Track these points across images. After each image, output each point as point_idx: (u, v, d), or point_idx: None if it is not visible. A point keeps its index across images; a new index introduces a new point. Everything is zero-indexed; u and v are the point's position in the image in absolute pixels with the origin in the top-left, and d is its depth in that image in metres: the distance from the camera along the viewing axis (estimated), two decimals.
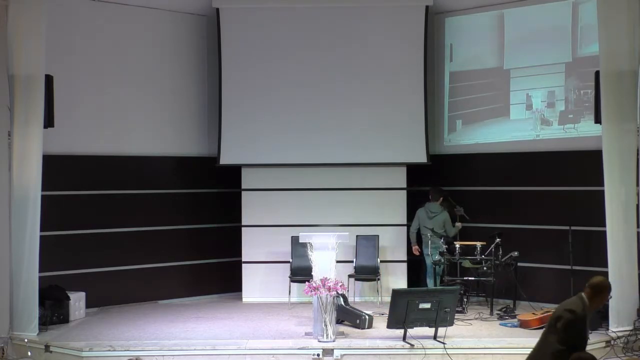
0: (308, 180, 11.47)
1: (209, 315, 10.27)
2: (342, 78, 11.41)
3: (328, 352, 8.27)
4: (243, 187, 11.55)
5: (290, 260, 11.03)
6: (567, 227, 10.33)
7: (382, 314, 9.61)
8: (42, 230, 9.09)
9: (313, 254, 8.94)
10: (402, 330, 8.36)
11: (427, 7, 11.40)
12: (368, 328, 9.17)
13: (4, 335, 8.93)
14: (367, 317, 9.26)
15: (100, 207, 10.95)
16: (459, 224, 10.89)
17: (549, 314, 9.19)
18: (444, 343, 8.27)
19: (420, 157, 11.37)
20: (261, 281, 11.43)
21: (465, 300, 10.28)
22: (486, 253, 10.28)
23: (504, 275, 10.42)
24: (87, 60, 10.85)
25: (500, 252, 10.23)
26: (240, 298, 11.46)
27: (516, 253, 10.23)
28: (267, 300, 11.17)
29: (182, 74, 11.71)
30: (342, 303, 9.33)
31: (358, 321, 9.21)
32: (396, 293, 8.45)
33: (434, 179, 11.50)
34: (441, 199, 10.96)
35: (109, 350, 8.31)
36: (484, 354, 8.28)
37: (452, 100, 11.88)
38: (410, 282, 11.31)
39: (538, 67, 11.10)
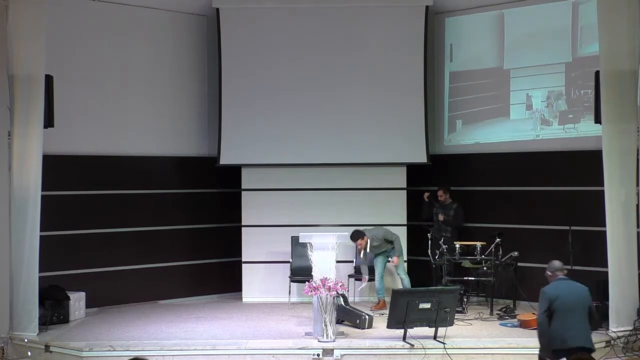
0: (308, 180, 11.46)
1: (209, 315, 10.27)
2: (342, 78, 11.41)
3: (328, 352, 8.27)
4: (243, 187, 11.55)
5: (290, 260, 11.03)
6: (567, 227, 10.33)
7: (382, 314, 9.62)
8: (42, 230, 9.09)
9: (313, 254, 8.94)
10: (402, 330, 8.36)
11: (427, 7, 11.40)
12: (368, 328, 9.17)
13: (4, 335, 8.93)
14: (367, 317, 9.26)
15: (100, 207, 10.94)
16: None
17: None
18: (444, 343, 8.26)
19: (420, 157, 11.36)
20: (261, 281, 11.43)
21: (465, 300, 10.28)
22: (486, 253, 10.29)
23: (504, 275, 10.41)
24: (87, 60, 10.85)
25: (500, 252, 10.23)
26: (240, 298, 11.46)
27: (516, 253, 10.23)
28: (267, 300, 11.17)
29: (182, 74, 11.71)
30: (342, 303, 9.32)
31: (358, 321, 9.21)
32: (396, 293, 8.45)
33: (434, 179, 11.49)
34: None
35: (109, 350, 8.31)
36: (484, 354, 8.27)
37: (452, 100, 11.88)
38: (411, 282, 11.29)
39: (538, 67, 11.10)
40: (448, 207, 11.14)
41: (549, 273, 7.43)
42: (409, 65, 11.40)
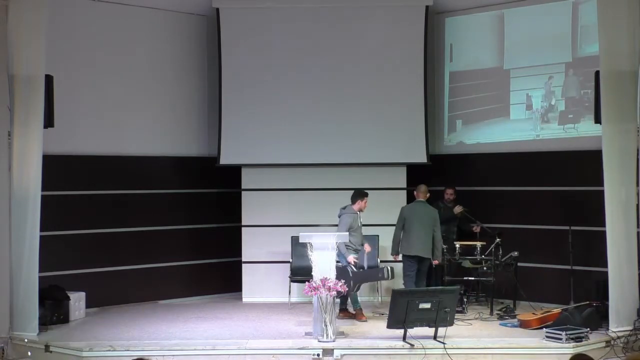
0: (308, 180, 11.46)
1: (209, 315, 10.27)
2: (342, 78, 11.41)
3: (328, 352, 8.26)
4: (243, 187, 11.55)
5: (290, 260, 11.03)
6: (567, 227, 10.33)
7: (382, 314, 9.62)
8: (42, 230, 9.09)
9: (313, 254, 8.93)
10: (402, 330, 8.36)
11: (427, 7, 11.40)
12: (392, 278, 9.58)
13: (4, 335, 8.92)
14: (387, 268, 9.44)
15: (100, 207, 10.94)
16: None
17: (549, 314, 9.22)
18: (444, 343, 8.26)
19: (420, 157, 11.37)
20: (261, 281, 11.42)
21: (465, 300, 10.28)
22: (486, 253, 10.29)
23: (504, 275, 10.41)
24: (87, 60, 10.85)
25: (500, 252, 10.23)
26: (240, 298, 11.46)
27: (516, 253, 10.23)
28: (267, 300, 11.17)
29: (182, 74, 11.71)
30: (355, 269, 9.52)
31: (381, 275, 9.42)
32: (396, 293, 8.45)
33: (434, 179, 11.49)
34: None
35: (109, 350, 8.31)
36: (484, 354, 8.27)
37: (452, 100, 11.88)
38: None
39: (538, 67, 11.10)
40: (451, 208, 11.16)
41: (415, 192, 10.07)
42: (409, 65, 11.40)
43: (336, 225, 10.52)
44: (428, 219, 9.91)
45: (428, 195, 10.12)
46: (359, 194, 10.00)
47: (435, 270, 10.78)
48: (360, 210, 10.00)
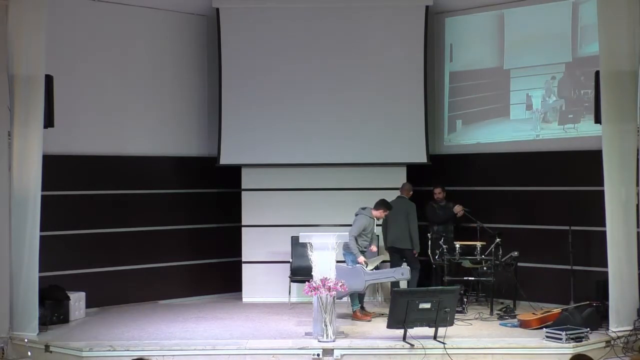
0: (308, 180, 11.47)
1: (209, 315, 10.27)
2: (342, 78, 11.41)
3: (328, 352, 8.27)
4: (243, 187, 11.56)
5: (290, 260, 11.03)
6: (567, 227, 10.33)
7: (382, 314, 9.62)
8: (42, 230, 9.09)
9: (313, 254, 8.93)
10: (402, 330, 8.36)
11: (427, 7, 11.41)
12: (408, 278, 9.70)
13: (4, 335, 8.93)
14: (409, 268, 9.59)
15: (100, 207, 10.95)
16: None
17: (549, 314, 9.22)
18: (444, 343, 8.26)
19: (420, 157, 11.37)
20: (261, 281, 11.43)
21: (465, 300, 10.28)
22: (486, 253, 10.29)
23: (504, 275, 10.41)
24: (87, 60, 10.85)
25: (500, 252, 10.23)
26: (240, 298, 11.46)
27: (516, 253, 10.23)
28: (267, 300, 11.17)
29: (182, 74, 11.72)
30: (367, 269, 9.54)
31: (403, 273, 9.53)
32: (396, 293, 8.46)
33: (434, 179, 11.50)
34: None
35: (109, 350, 8.31)
36: (484, 354, 8.27)
37: (452, 100, 11.88)
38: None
39: (538, 67, 11.10)
40: (444, 206, 11.16)
41: (400, 188, 10.72)
42: (409, 65, 11.40)
43: (336, 225, 10.61)
44: (401, 212, 10.40)
45: (411, 193, 10.68)
46: (384, 205, 10.05)
47: (435, 270, 10.81)
48: (377, 218, 10.08)
